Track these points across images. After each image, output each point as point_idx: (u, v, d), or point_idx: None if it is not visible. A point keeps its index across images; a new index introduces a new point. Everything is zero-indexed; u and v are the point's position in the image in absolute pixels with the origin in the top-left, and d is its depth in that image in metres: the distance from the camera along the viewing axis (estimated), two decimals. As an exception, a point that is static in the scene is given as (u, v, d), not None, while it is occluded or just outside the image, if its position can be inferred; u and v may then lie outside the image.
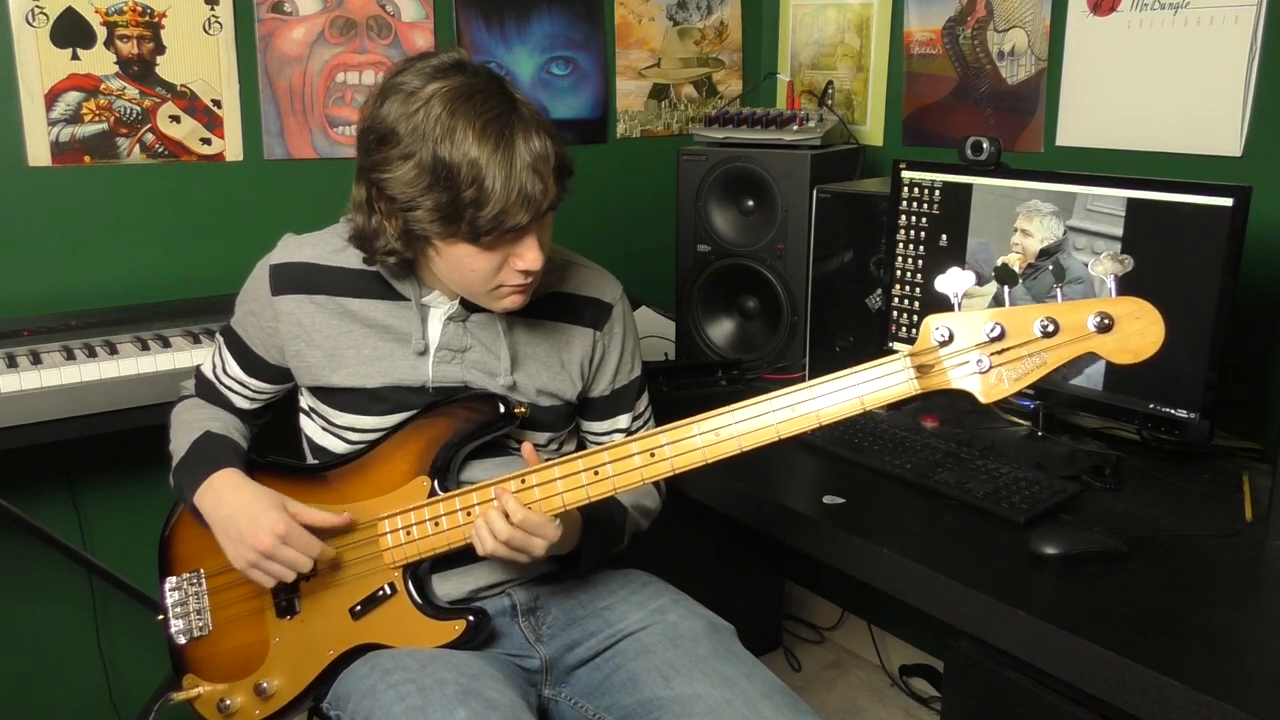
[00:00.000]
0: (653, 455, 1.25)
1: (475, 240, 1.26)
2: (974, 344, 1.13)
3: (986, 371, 1.13)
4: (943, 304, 1.96)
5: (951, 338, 1.14)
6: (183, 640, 1.48)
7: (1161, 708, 1.17)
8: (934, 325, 1.14)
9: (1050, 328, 1.10)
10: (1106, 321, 1.08)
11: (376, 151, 1.27)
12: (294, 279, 1.41)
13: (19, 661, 2.12)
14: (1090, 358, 1.11)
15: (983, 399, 1.14)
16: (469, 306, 1.41)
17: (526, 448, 1.33)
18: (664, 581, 1.56)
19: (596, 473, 1.27)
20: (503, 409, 1.38)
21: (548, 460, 1.32)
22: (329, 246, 1.43)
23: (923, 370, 1.15)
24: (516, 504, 1.28)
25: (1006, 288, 1.16)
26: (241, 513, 1.35)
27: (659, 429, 1.25)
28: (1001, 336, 1.12)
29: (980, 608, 1.35)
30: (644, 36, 2.64)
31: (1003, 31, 2.25)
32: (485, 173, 1.21)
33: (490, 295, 1.34)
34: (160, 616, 1.49)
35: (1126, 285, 1.65)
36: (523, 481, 1.30)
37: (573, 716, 1.44)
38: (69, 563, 2.04)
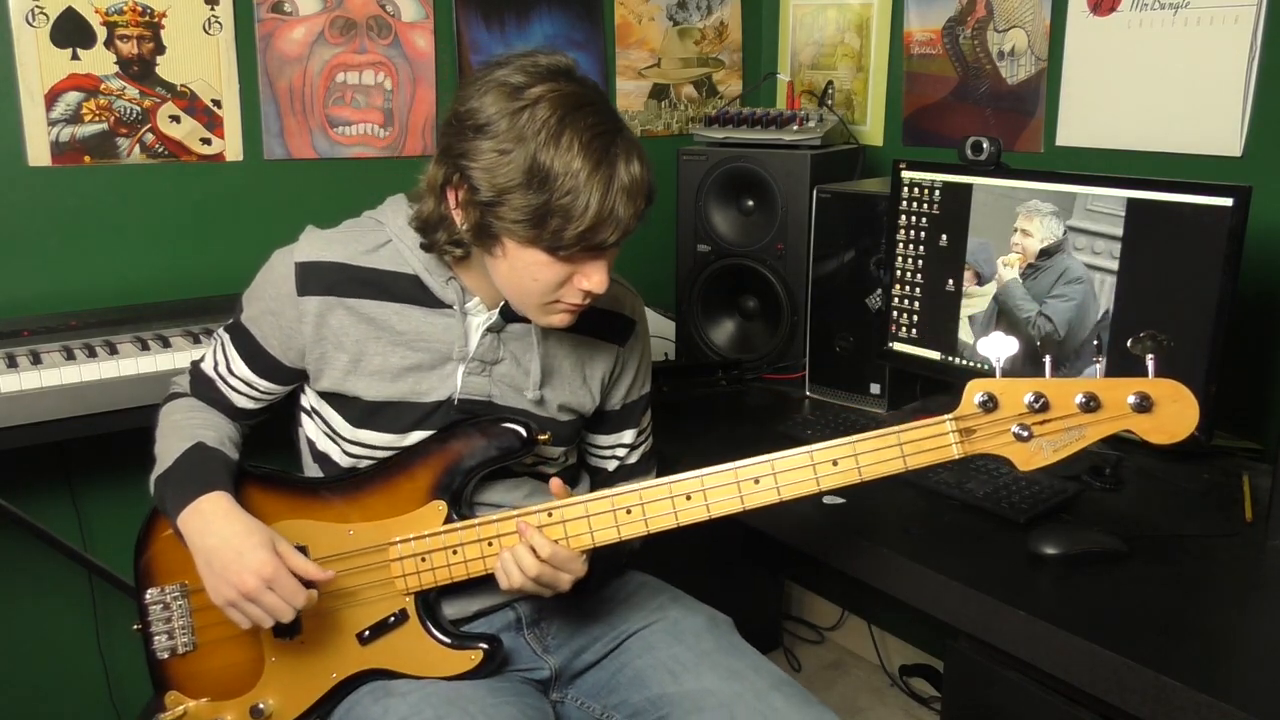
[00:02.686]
0: (689, 498, 1.24)
1: (554, 251, 1.22)
2: (1016, 413, 1.15)
3: (1028, 440, 1.15)
4: (944, 309, 1.96)
5: (995, 404, 1.15)
6: (164, 655, 1.41)
7: (1161, 708, 1.17)
8: (977, 392, 1.16)
9: (1091, 404, 1.12)
10: (1145, 403, 1.11)
11: (469, 139, 1.22)
12: (324, 279, 1.33)
13: (19, 661, 2.11)
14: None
15: (1021, 468, 1.16)
16: (506, 316, 1.37)
17: (555, 483, 1.30)
18: (660, 580, 1.56)
19: (629, 511, 1.26)
20: (525, 434, 1.34)
21: (565, 482, 1.31)
22: (361, 245, 1.36)
23: (965, 434, 1.17)
24: (544, 540, 1.25)
25: (1049, 357, 1.18)
26: (228, 546, 1.26)
27: (696, 472, 1.24)
28: (1045, 408, 1.14)
29: (980, 608, 1.35)
30: (644, 36, 2.64)
31: (1003, 31, 2.25)
32: (584, 186, 1.18)
33: (542, 308, 1.30)
34: (137, 627, 1.42)
35: (1124, 284, 1.65)
36: (549, 515, 1.27)
37: (579, 717, 1.43)
38: (69, 563, 2.04)
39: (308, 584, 1.29)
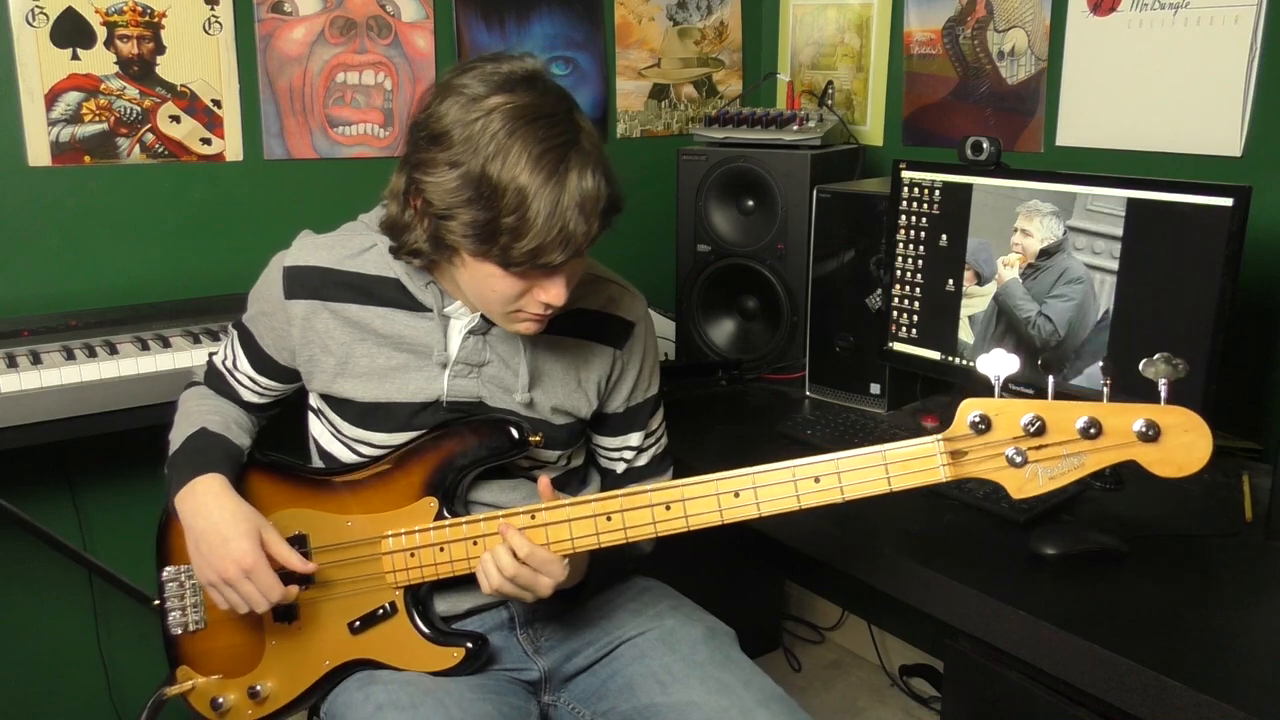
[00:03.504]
0: (668, 508, 1.23)
1: (505, 267, 1.21)
2: (1011, 436, 1.08)
3: (1021, 466, 1.08)
4: (944, 309, 1.96)
5: (989, 426, 1.09)
6: (177, 631, 1.47)
7: (1161, 708, 1.17)
8: (971, 412, 1.10)
9: (1093, 430, 1.05)
10: (1152, 432, 1.03)
11: (425, 150, 1.21)
12: (308, 283, 1.37)
13: (19, 661, 2.12)
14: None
15: (1014, 494, 1.10)
16: (490, 319, 1.37)
17: (543, 482, 1.30)
18: (665, 586, 1.55)
19: (610, 519, 1.25)
20: (516, 435, 1.35)
21: (557, 488, 1.31)
22: (346, 249, 1.38)
23: (955, 456, 1.11)
24: (523, 540, 1.25)
25: (1052, 378, 1.10)
26: (215, 531, 1.32)
27: (679, 481, 1.23)
28: (1041, 431, 1.07)
29: (980, 608, 1.35)
30: (644, 36, 2.64)
31: (1003, 31, 2.25)
32: (530, 203, 1.15)
33: (505, 317, 1.30)
34: (156, 603, 1.48)
35: (1124, 284, 1.65)
36: (532, 518, 1.27)
37: None
38: (69, 563, 2.04)
39: (294, 578, 1.34)
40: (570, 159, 1.18)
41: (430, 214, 1.22)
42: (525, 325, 1.31)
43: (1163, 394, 1.04)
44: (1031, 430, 1.07)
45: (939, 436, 1.12)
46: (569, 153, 1.18)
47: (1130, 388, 1.58)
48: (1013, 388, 1.68)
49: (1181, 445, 1.03)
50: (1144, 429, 1.03)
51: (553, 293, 1.25)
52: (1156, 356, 1.05)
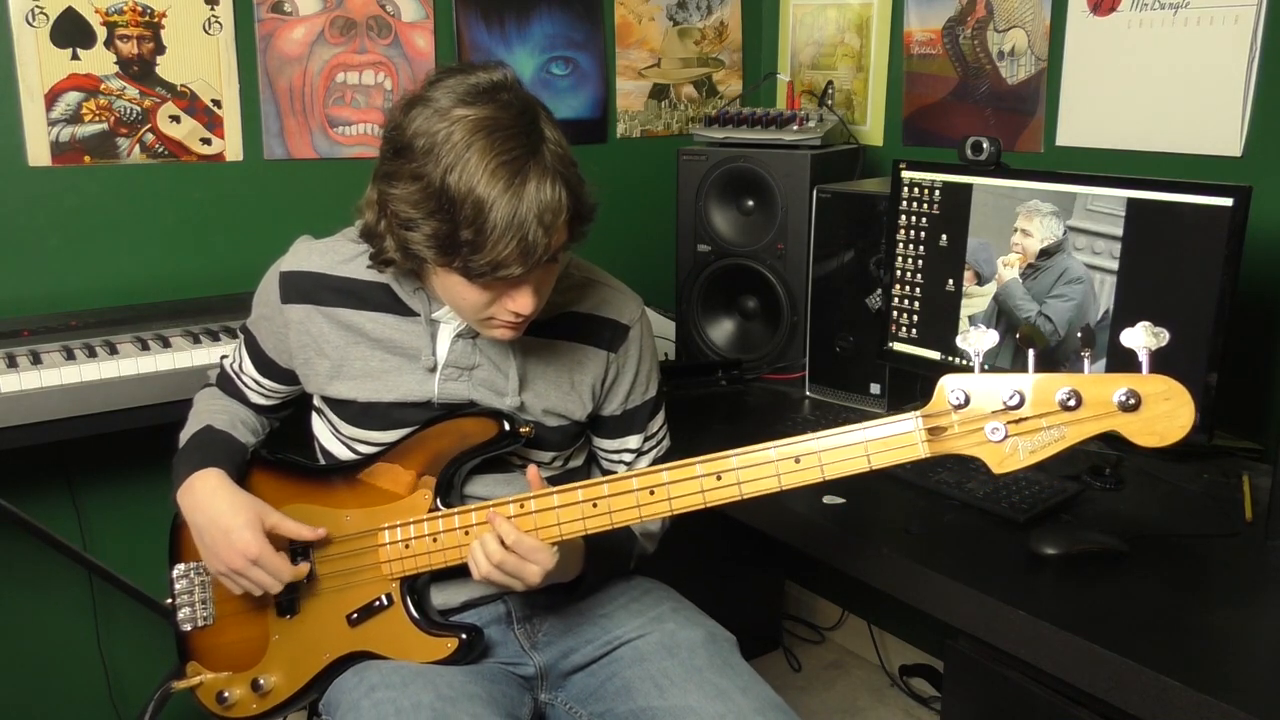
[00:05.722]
0: (652, 493, 1.23)
1: (469, 277, 1.22)
2: (990, 411, 1.08)
3: (1002, 441, 1.07)
4: (944, 309, 1.96)
5: (967, 401, 1.09)
6: (187, 628, 1.49)
7: (1161, 708, 1.17)
8: (950, 387, 1.10)
9: (1072, 401, 1.04)
10: (1132, 401, 1.02)
11: (392, 161, 1.23)
12: (302, 289, 1.40)
13: (19, 661, 2.12)
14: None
15: (995, 469, 1.09)
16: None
17: (532, 471, 1.31)
18: (667, 588, 1.55)
19: (595, 505, 1.26)
20: (507, 427, 1.36)
21: (550, 481, 1.31)
22: (339, 255, 1.41)
23: (935, 433, 1.11)
24: (510, 527, 1.26)
25: (1032, 351, 1.09)
26: (215, 524, 1.36)
27: (662, 466, 1.23)
28: (1020, 405, 1.06)
29: (980, 608, 1.35)
30: (644, 36, 2.64)
31: (1003, 31, 2.25)
32: (487, 216, 1.15)
33: (480, 324, 1.32)
34: (169, 600, 1.51)
35: (1124, 284, 1.65)
36: (521, 506, 1.29)
37: None
38: (69, 563, 2.04)
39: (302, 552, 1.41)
40: (529, 170, 1.17)
41: (397, 225, 1.23)
42: (500, 332, 1.31)
43: (1144, 364, 1.03)
44: (1011, 404, 1.07)
45: (918, 413, 1.12)
46: (527, 164, 1.17)
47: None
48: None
49: (1163, 414, 1.01)
50: (1124, 398, 1.02)
51: (520, 302, 1.25)
52: (1139, 325, 1.04)
